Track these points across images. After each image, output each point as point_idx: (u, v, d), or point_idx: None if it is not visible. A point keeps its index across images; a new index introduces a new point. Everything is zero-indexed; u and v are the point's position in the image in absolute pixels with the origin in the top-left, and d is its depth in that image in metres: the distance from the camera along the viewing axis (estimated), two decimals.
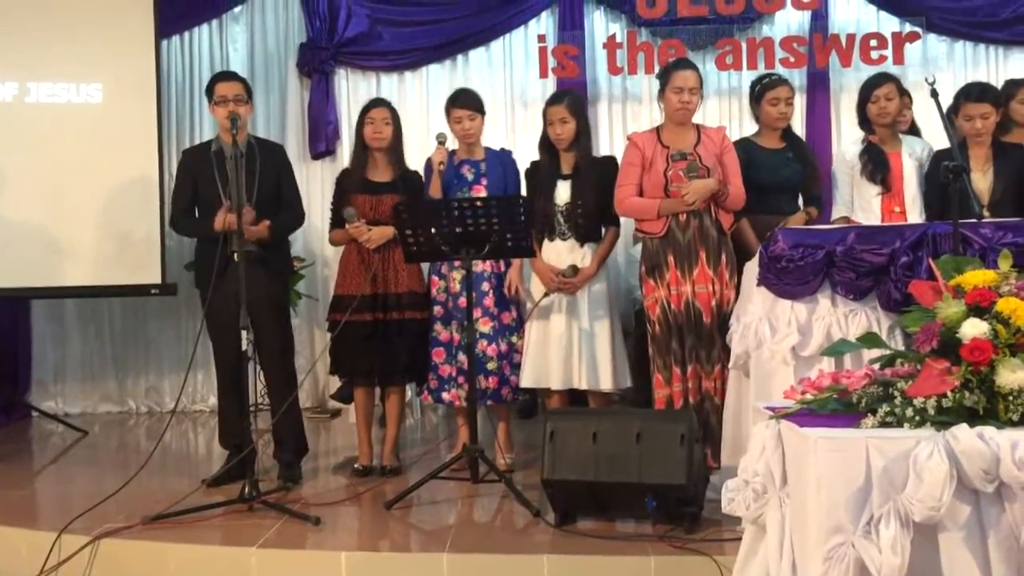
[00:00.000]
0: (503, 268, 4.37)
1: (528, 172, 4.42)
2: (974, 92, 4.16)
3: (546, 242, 4.26)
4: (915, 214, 4.17)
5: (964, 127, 4.07)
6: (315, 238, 6.12)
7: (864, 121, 4.33)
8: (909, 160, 4.23)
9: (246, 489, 3.63)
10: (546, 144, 4.31)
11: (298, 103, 6.44)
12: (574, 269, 4.17)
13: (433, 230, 3.78)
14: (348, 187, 4.34)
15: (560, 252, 4.22)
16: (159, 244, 5.71)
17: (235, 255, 3.79)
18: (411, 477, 4.12)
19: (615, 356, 4.20)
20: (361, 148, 4.37)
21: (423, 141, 6.26)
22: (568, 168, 4.26)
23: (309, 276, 6.11)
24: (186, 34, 6.43)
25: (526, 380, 4.25)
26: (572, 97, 4.36)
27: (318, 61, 6.31)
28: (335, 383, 5.66)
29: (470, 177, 4.38)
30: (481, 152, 4.44)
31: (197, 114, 6.42)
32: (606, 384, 4.18)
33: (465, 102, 4.40)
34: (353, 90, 6.38)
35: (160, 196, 5.69)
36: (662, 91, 4.04)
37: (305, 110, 6.40)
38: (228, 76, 4.35)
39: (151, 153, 5.72)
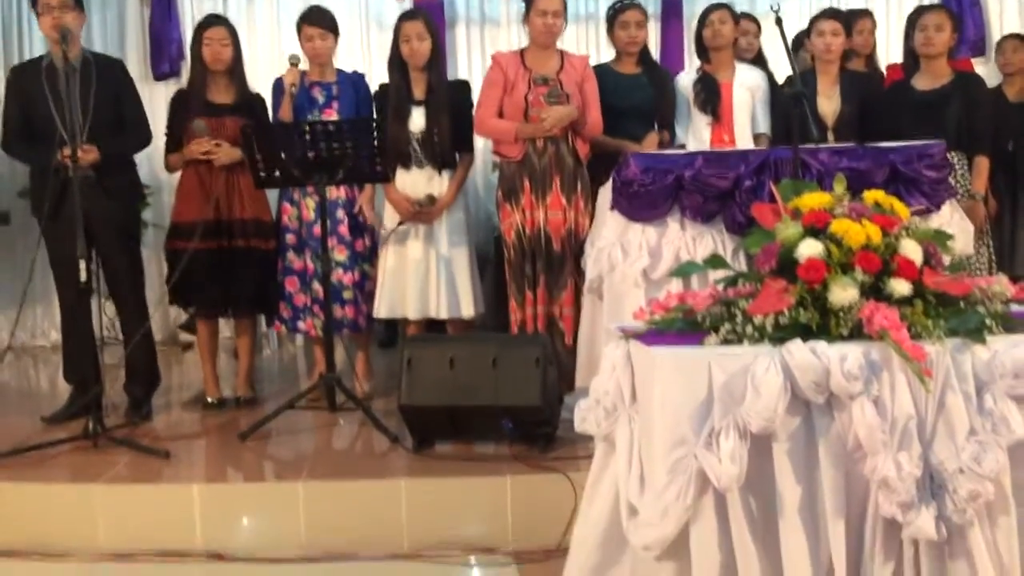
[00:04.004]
0: (357, 194, 4.26)
1: (377, 95, 4.28)
2: (827, 12, 4.43)
3: (400, 171, 4.14)
4: (744, 142, 4.24)
5: (816, 45, 4.22)
6: (160, 164, 5.82)
7: (701, 49, 4.39)
8: (740, 89, 4.29)
9: (90, 424, 3.48)
10: (398, 64, 4.16)
11: (138, 20, 6.07)
12: (431, 199, 4.10)
13: (284, 155, 3.66)
14: (188, 109, 4.12)
15: (416, 181, 4.13)
16: None
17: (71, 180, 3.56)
18: (267, 408, 4.03)
19: (472, 283, 4.19)
20: (200, 68, 4.15)
21: (274, 63, 6.01)
22: (421, 92, 4.15)
23: (155, 204, 5.84)
24: None
25: (382, 310, 4.17)
26: (428, 14, 4.26)
27: None
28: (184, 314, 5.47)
29: (321, 100, 4.23)
30: (333, 74, 4.28)
31: (27, 31, 5.98)
32: (467, 312, 4.16)
33: (317, 20, 4.22)
34: (198, 7, 6.06)
35: None
36: (527, 15, 4.00)
37: (145, 28, 6.04)
38: None
39: None
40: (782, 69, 5.19)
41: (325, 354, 3.82)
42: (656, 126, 4.38)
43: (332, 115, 4.18)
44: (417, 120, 4.13)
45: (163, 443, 3.55)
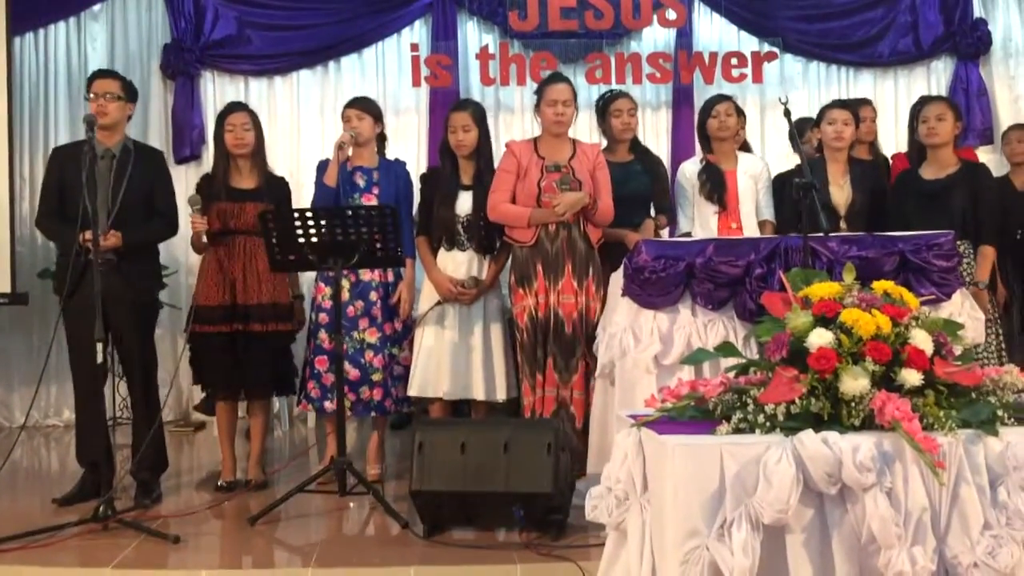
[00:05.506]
0: (391, 278, 4.32)
1: (425, 178, 4.42)
2: (836, 102, 4.46)
3: (443, 251, 4.25)
4: (751, 229, 4.31)
5: (827, 133, 4.23)
6: (178, 245, 5.91)
7: (704, 139, 4.48)
8: (744, 178, 4.37)
9: (101, 508, 3.47)
10: (447, 151, 4.30)
11: (161, 106, 6.25)
12: (475, 280, 4.17)
13: (301, 239, 3.72)
14: (211, 194, 4.19)
15: (459, 262, 4.22)
16: (8, 251, 5.42)
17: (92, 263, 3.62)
18: (278, 491, 4.01)
19: (507, 367, 4.22)
20: (223, 154, 4.26)
21: (293, 148, 6.18)
22: (468, 178, 4.27)
23: (172, 284, 5.91)
24: (41, 31, 6.18)
25: (413, 388, 4.20)
26: (476, 106, 4.40)
27: (183, 63, 6.14)
28: (199, 394, 5.49)
29: (362, 184, 4.31)
30: (374, 160, 4.38)
31: (52, 115, 6.17)
32: (502, 394, 4.20)
33: (358, 104, 4.39)
34: (220, 94, 6.23)
35: (10, 201, 5.42)
36: (538, 105, 4.11)
37: (168, 113, 6.21)
38: (103, 73, 4.17)
39: (0, 155, 5.44)
40: (770, 159, 5.31)
41: (337, 437, 3.82)
42: (653, 211, 4.45)
43: (372, 200, 4.26)
44: (464, 204, 4.23)
45: (172, 527, 3.53)
